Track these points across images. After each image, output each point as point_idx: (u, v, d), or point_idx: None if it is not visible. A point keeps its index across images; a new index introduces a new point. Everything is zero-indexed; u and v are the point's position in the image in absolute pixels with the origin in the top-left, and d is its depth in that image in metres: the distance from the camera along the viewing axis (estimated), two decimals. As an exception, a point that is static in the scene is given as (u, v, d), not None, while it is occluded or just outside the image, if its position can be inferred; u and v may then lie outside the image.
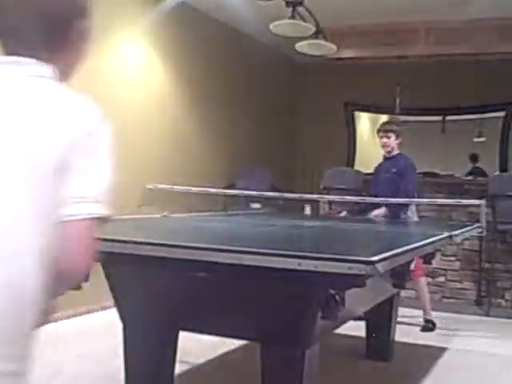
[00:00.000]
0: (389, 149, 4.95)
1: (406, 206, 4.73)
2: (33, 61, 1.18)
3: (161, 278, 2.44)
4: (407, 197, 4.66)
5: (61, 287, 1.16)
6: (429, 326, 4.82)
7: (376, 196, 4.79)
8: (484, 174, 7.35)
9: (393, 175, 4.86)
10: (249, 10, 5.91)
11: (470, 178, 6.20)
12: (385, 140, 4.94)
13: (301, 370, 2.21)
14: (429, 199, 5.17)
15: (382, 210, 4.82)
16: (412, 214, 4.87)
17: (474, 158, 8.63)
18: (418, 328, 4.84)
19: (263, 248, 2.02)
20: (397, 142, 4.94)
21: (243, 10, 5.93)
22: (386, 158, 5.04)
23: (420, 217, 5.10)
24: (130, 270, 2.52)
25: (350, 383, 3.57)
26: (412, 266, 4.20)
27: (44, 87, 1.17)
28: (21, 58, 1.18)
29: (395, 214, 4.71)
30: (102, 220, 1.15)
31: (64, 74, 1.25)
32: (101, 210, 1.13)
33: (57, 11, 1.21)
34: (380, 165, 5.13)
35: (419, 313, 4.96)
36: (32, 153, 1.08)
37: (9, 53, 1.19)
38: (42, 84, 1.18)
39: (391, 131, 4.95)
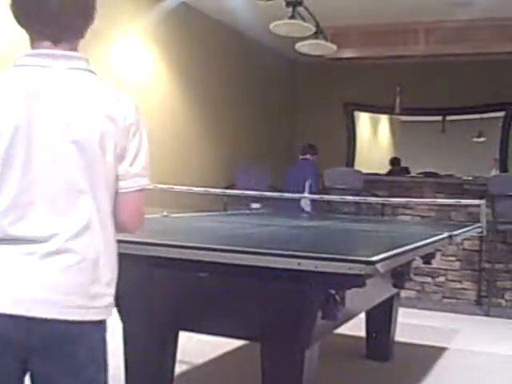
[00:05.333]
0: None
1: None
2: (77, 54, 1.45)
3: (161, 278, 2.44)
4: None
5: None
6: None
7: None
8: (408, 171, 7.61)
9: None
10: (249, 10, 5.91)
11: (470, 177, 6.19)
12: None
13: (301, 369, 2.21)
14: (429, 199, 5.17)
15: None
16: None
17: (395, 160, 8.42)
18: (419, 328, 4.83)
19: (263, 248, 2.02)
20: None
21: (243, 10, 5.94)
22: None
23: (420, 217, 5.09)
24: (130, 269, 2.51)
25: (349, 383, 3.57)
26: None
27: (90, 81, 1.48)
28: (69, 53, 1.43)
29: None
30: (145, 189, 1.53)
31: None
32: (146, 182, 1.52)
33: None
34: None
35: (419, 312, 4.96)
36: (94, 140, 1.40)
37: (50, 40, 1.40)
38: (87, 78, 1.47)
39: None
